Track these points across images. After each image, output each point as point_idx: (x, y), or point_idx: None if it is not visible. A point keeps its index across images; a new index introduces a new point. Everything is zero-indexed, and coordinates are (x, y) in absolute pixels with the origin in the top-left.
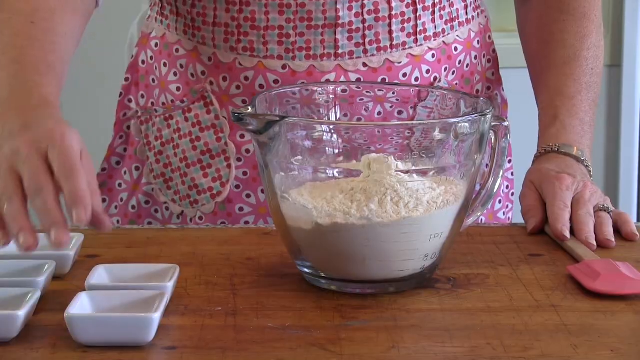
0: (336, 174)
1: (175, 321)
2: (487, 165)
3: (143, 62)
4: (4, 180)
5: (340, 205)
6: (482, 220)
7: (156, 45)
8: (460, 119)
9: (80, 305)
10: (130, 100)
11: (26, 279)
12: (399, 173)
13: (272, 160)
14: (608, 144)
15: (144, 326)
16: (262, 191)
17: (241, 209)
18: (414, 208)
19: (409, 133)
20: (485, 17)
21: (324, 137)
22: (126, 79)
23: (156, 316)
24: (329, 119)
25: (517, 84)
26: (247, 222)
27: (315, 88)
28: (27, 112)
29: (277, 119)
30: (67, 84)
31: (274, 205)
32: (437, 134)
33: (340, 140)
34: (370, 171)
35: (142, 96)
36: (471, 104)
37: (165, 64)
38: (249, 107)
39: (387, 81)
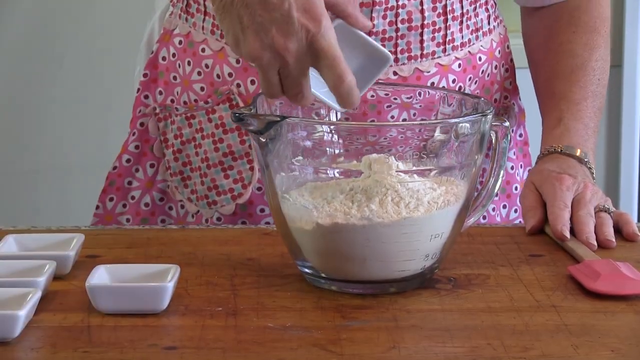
0: (337, 174)
1: (176, 321)
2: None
3: (164, 58)
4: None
5: (341, 206)
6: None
7: (180, 42)
8: (460, 119)
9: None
10: (147, 97)
11: (27, 279)
12: (400, 173)
13: (272, 161)
14: (608, 144)
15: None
16: None
17: (262, 210)
18: (414, 208)
19: (409, 133)
20: (504, 26)
21: (325, 138)
22: (144, 75)
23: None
24: (329, 119)
25: (517, 85)
26: (267, 223)
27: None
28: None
29: (278, 119)
30: (71, 76)
31: (274, 205)
32: (438, 134)
33: (340, 141)
34: (371, 171)
35: (160, 93)
36: (472, 105)
37: (189, 63)
38: (250, 107)
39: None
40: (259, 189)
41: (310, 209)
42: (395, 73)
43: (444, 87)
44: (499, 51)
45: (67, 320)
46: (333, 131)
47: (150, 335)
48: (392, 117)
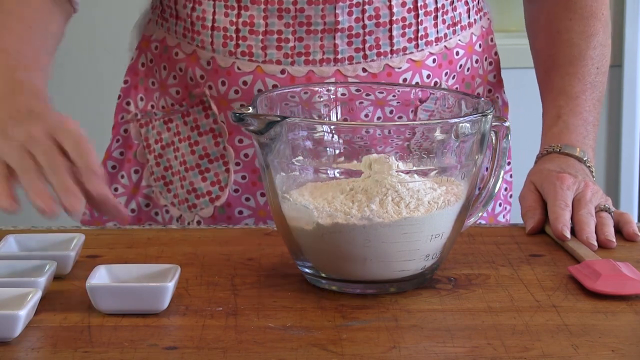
0: (337, 174)
1: (176, 321)
2: (486, 169)
3: (143, 64)
4: (20, 158)
5: (341, 206)
6: (480, 223)
7: (156, 48)
8: (461, 119)
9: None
10: (128, 103)
11: (27, 279)
12: (400, 173)
13: (273, 161)
14: (609, 144)
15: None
16: (262, 194)
17: (240, 212)
18: (414, 208)
19: (410, 133)
20: (488, 19)
21: (325, 138)
22: (125, 82)
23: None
24: (329, 119)
25: (517, 85)
26: (246, 224)
27: (316, 89)
28: (28, 100)
29: (278, 119)
30: (62, 86)
31: (274, 205)
32: (438, 135)
33: (341, 141)
34: (371, 171)
35: (142, 99)
36: (472, 105)
37: (165, 67)
38: (250, 108)
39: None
40: (235, 190)
41: (310, 209)
42: (364, 70)
43: (417, 83)
44: (480, 45)
45: (68, 320)
46: (333, 131)
47: (150, 335)
48: (367, 115)
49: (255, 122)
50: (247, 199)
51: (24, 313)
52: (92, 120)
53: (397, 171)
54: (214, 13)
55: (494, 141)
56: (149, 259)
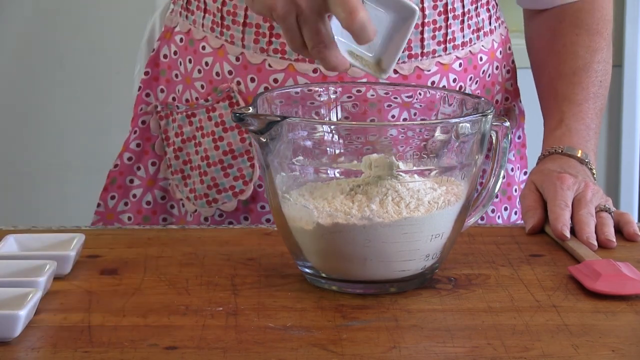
0: (337, 174)
1: (176, 321)
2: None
3: (165, 56)
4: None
5: (341, 206)
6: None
7: (181, 40)
8: (461, 119)
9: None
10: (148, 95)
11: (27, 279)
12: (400, 173)
13: (273, 161)
14: (609, 144)
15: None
16: None
17: (263, 207)
18: (415, 208)
19: (410, 133)
20: (505, 27)
21: (325, 137)
22: (146, 73)
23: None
24: (334, 119)
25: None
26: (268, 220)
27: (316, 89)
28: None
29: (278, 119)
30: (71, 75)
31: (275, 205)
32: (438, 134)
33: (341, 141)
34: (372, 171)
35: (162, 91)
36: (472, 105)
37: (190, 60)
38: (250, 107)
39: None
40: (259, 185)
41: (310, 209)
42: (395, 71)
43: (444, 86)
44: (500, 52)
45: (68, 320)
46: (333, 131)
47: (150, 335)
48: (393, 116)
49: (255, 122)
50: None
51: (24, 313)
52: (88, 120)
53: (397, 171)
54: (246, 9)
55: (494, 141)
56: (149, 259)
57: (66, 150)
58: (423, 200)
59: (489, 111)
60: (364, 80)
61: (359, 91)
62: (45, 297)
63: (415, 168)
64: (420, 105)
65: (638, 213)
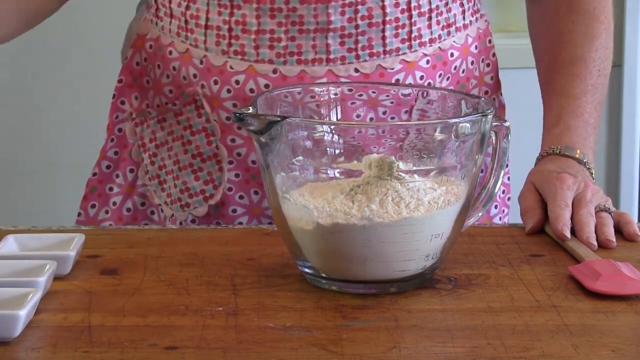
0: (337, 174)
1: (176, 321)
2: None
3: (137, 63)
4: None
5: (341, 206)
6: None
7: (150, 47)
8: (461, 119)
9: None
10: (123, 102)
11: (27, 279)
12: (400, 173)
13: (273, 161)
14: (609, 144)
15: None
16: (256, 192)
17: (234, 211)
18: (414, 208)
19: (410, 133)
20: (486, 21)
21: (325, 138)
22: (119, 81)
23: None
24: (329, 119)
25: (517, 85)
26: (240, 223)
27: (315, 89)
28: None
29: (278, 119)
30: (70, 75)
31: (275, 205)
32: (438, 134)
33: (341, 141)
34: (371, 171)
35: (136, 98)
36: (472, 105)
37: (159, 66)
38: (250, 107)
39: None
40: (229, 189)
41: (310, 209)
42: (356, 70)
43: (410, 84)
44: (476, 46)
45: (68, 320)
46: (333, 131)
47: (150, 335)
48: (358, 115)
49: (255, 122)
50: (241, 197)
51: (24, 313)
52: (87, 120)
53: (397, 171)
54: (207, 12)
55: (494, 141)
56: (149, 259)
57: (66, 151)
58: (423, 200)
59: (489, 111)
60: (324, 80)
61: (336, 94)
62: (45, 297)
63: (415, 168)
64: (391, 102)
65: (638, 213)
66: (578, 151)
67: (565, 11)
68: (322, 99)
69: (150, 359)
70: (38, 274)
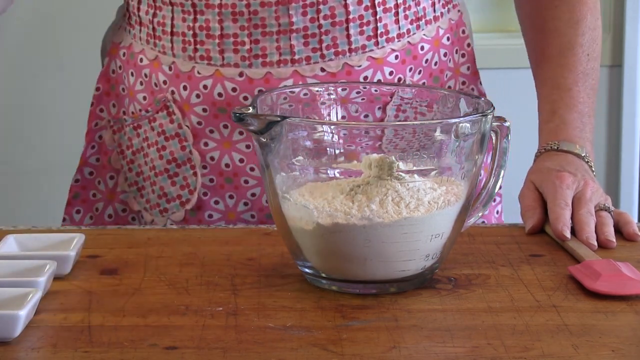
0: (337, 174)
1: (176, 321)
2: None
3: (113, 71)
4: None
5: (341, 206)
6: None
7: (124, 54)
8: (461, 119)
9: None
10: (102, 110)
11: (27, 279)
12: (400, 173)
13: (273, 161)
14: (609, 144)
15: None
16: (230, 197)
17: (210, 216)
18: (414, 208)
19: (410, 133)
20: (459, 11)
21: (325, 138)
22: (97, 89)
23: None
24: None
25: (517, 85)
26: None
27: (315, 89)
28: None
29: (278, 119)
30: (70, 75)
31: (275, 205)
32: (438, 134)
33: (341, 141)
34: (371, 171)
35: (114, 105)
36: (472, 104)
37: (132, 74)
38: (250, 108)
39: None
40: (204, 194)
41: (310, 209)
42: (322, 69)
43: (379, 80)
44: (448, 38)
45: (68, 320)
46: (333, 131)
47: (150, 335)
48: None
49: (255, 122)
50: (217, 202)
51: (24, 313)
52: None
53: (397, 171)
54: (172, 18)
55: (494, 141)
56: (149, 259)
57: (66, 151)
58: (423, 200)
59: (489, 111)
60: (290, 81)
61: (292, 92)
62: (45, 297)
63: (415, 168)
64: (362, 99)
65: (638, 213)
66: (577, 146)
67: None
68: (293, 101)
69: (150, 359)
70: (38, 274)
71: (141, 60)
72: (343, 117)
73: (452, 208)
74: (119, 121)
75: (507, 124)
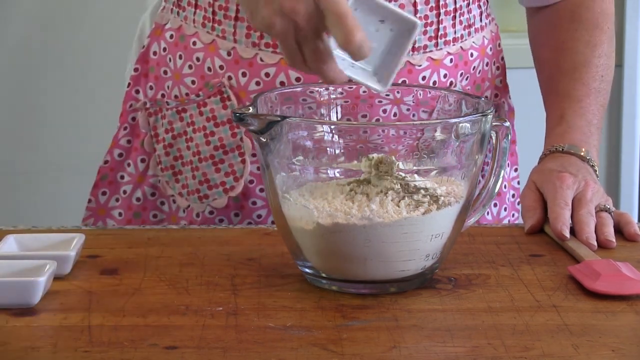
0: (337, 174)
1: (176, 321)
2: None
3: (155, 53)
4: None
5: (341, 206)
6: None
7: (171, 37)
8: (461, 119)
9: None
10: (137, 92)
11: (27, 279)
12: (400, 173)
13: (273, 161)
14: (609, 144)
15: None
16: None
17: (254, 203)
18: (415, 208)
19: (410, 133)
20: (495, 24)
21: (325, 137)
22: (135, 69)
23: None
24: (333, 117)
25: (517, 85)
26: (259, 216)
27: (316, 89)
28: None
29: (278, 119)
30: (70, 75)
31: (275, 205)
32: (438, 134)
33: (341, 141)
34: (372, 171)
35: (151, 87)
36: (472, 104)
37: (180, 56)
38: (250, 107)
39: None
40: (250, 181)
41: (310, 209)
42: None
43: (435, 82)
44: (491, 48)
45: (68, 320)
46: (333, 131)
47: (150, 335)
48: (384, 110)
49: (256, 122)
50: (262, 190)
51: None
52: (87, 120)
53: (397, 171)
54: (237, 4)
55: (494, 141)
56: (149, 259)
57: (66, 151)
58: (423, 200)
59: (489, 111)
60: None
61: (350, 87)
62: (45, 297)
63: (415, 168)
64: (413, 102)
65: (638, 213)
66: (583, 149)
67: (567, 21)
68: (350, 97)
69: (150, 359)
70: (38, 274)
71: (194, 43)
72: (395, 115)
73: (452, 208)
74: (156, 104)
75: (506, 124)
